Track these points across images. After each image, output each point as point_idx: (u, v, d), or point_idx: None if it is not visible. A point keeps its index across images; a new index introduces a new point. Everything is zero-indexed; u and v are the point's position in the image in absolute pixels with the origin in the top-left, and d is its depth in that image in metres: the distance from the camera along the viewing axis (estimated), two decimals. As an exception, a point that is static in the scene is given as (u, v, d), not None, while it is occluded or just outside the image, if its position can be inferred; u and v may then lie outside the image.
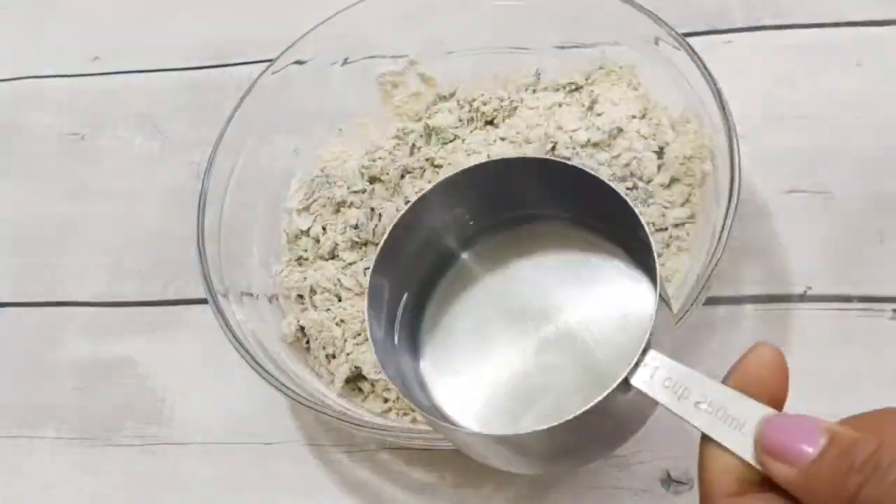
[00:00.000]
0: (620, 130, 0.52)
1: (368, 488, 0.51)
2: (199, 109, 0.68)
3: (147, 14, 0.74)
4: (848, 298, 0.51)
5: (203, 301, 0.50)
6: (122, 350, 0.58)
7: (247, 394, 0.54)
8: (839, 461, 0.26)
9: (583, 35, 0.56)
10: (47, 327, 0.61)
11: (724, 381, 0.30)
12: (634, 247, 0.35)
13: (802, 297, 0.52)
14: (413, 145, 0.55)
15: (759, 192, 0.55)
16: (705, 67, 0.49)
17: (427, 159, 0.54)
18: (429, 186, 0.37)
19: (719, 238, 0.44)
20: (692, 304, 0.43)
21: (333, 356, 0.51)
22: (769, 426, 0.28)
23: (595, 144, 0.52)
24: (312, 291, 0.52)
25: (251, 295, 0.52)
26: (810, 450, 0.27)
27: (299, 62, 0.57)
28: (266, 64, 0.56)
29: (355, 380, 0.50)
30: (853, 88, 0.58)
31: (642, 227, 0.33)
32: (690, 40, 0.51)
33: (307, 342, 0.52)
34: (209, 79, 0.70)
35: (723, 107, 0.48)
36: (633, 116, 0.52)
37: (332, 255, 0.53)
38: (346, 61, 0.58)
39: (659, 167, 0.51)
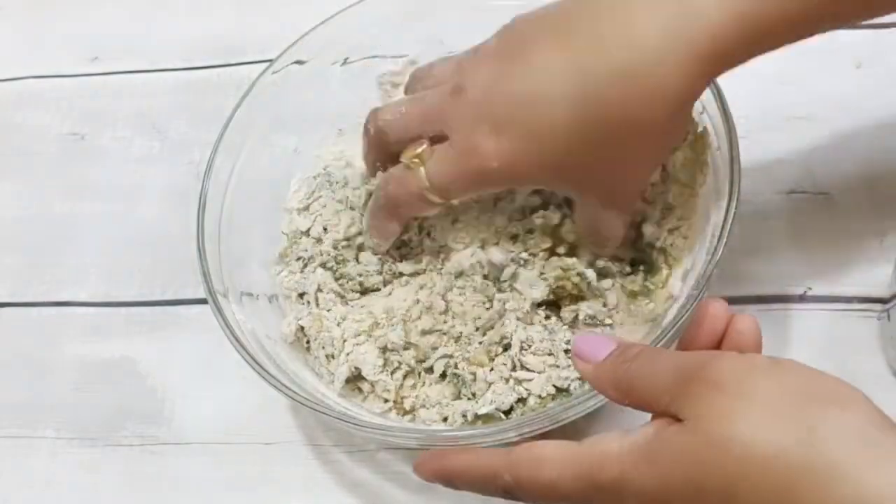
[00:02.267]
0: None
1: (368, 488, 0.51)
2: (199, 109, 0.68)
3: (147, 14, 0.74)
4: (848, 299, 0.51)
5: (203, 301, 0.50)
6: (122, 350, 0.58)
7: (246, 394, 0.54)
8: (618, 358, 0.36)
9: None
10: (47, 327, 0.61)
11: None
12: None
13: (802, 297, 0.52)
14: None
15: (759, 192, 0.55)
16: None
17: None
18: None
19: (719, 238, 0.44)
20: (692, 304, 0.43)
21: (333, 356, 0.51)
22: (577, 338, 0.38)
23: None
24: (319, 289, 0.52)
25: (251, 295, 0.52)
26: (602, 353, 0.37)
27: (299, 62, 0.57)
28: (266, 64, 0.56)
29: (355, 380, 0.50)
30: (853, 90, 0.58)
31: None
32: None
33: (307, 342, 0.52)
34: (209, 79, 0.70)
35: (723, 107, 0.48)
36: None
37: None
38: (346, 61, 0.58)
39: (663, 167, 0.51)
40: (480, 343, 0.48)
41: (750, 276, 0.53)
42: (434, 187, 0.46)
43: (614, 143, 0.42)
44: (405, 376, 0.49)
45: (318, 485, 0.52)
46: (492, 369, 0.47)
